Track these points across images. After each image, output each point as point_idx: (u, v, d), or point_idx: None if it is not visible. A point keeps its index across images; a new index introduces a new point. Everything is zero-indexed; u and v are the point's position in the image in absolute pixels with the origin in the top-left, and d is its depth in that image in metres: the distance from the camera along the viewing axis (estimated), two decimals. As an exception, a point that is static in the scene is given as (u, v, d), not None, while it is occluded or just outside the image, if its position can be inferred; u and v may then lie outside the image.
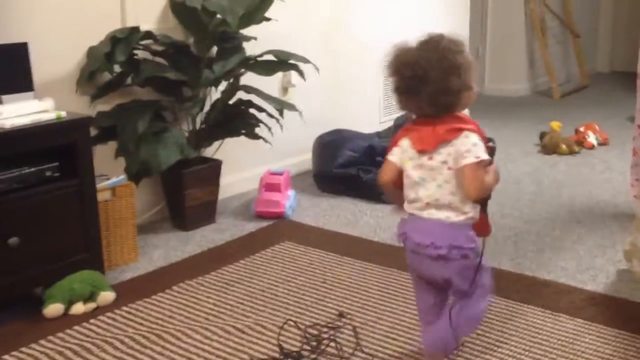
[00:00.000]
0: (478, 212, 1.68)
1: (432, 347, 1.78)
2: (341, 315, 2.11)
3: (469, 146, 1.61)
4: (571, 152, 3.91)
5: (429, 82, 1.59)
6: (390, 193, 1.79)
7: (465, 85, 1.62)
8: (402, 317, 2.09)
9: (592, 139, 4.06)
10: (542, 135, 4.08)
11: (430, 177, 1.65)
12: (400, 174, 1.71)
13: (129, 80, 2.70)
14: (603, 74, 6.77)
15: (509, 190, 3.30)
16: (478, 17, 5.71)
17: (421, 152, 1.66)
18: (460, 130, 1.62)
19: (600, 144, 4.10)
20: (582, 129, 4.13)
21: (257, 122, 2.95)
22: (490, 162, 1.65)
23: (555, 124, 4.09)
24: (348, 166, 3.31)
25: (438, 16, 4.54)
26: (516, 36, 5.73)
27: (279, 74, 3.39)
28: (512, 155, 3.91)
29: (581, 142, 4.04)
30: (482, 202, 1.70)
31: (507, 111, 5.13)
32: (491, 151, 1.68)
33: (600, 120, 4.53)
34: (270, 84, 3.27)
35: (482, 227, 1.72)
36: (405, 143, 1.69)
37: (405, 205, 1.72)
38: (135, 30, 2.57)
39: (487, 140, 1.68)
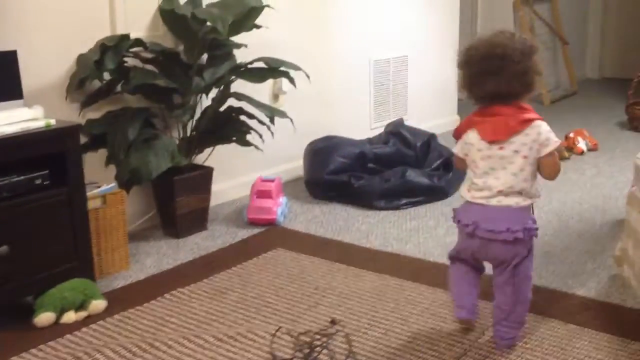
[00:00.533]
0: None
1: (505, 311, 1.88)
2: (333, 322, 2.10)
3: (547, 134, 1.78)
4: (561, 158, 3.92)
5: (512, 62, 1.73)
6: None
7: (539, 70, 1.78)
8: (395, 324, 2.09)
9: (581, 144, 4.08)
10: (532, 141, 4.10)
11: (501, 166, 1.79)
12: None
13: (118, 88, 2.70)
14: (592, 80, 6.82)
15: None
16: (468, 24, 5.74)
17: (492, 142, 1.79)
18: (531, 120, 1.77)
19: (590, 150, 4.13)
20: (572, 135, 4.15)
21: (248, 129, 2.95)
22: None
23: (545, 130, 4.11)
24: (339, 173, 3.32)
25: (428, 23, 4.56)
26: (506, 43, 5.76)
27: (270, 81, 3.40)
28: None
29: (571, 148, 4.06)
30: None
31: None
32: None
33: (589, 126, 4.56)
34: (261, 91, 3.28)
35: None
36: (471, 135, 1.83)
37: (467, 194, 1.86)
38: (125, 37, 2.57)
39: None
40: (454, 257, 1.99)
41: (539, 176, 1.85)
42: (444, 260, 2.58)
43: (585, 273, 2.44)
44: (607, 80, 6.66)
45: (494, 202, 1.79)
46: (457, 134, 1.88)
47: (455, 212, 1.92)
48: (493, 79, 1.75)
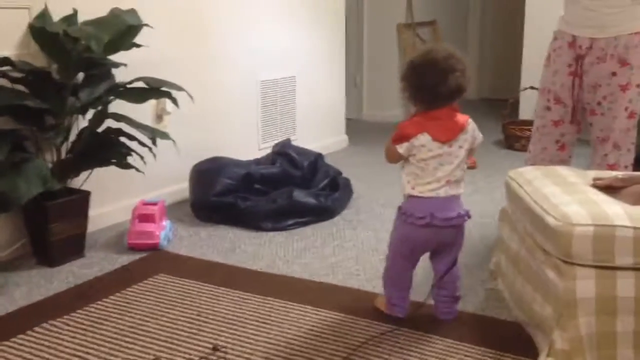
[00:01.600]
0: None
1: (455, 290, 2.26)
2: (215, 348, 2.05)
3: (476, 129, 2.12)
4: (443, 176, 4.05)
5: (455, 70, 2.02)
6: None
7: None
8: (278, 347, 2.06)
9: (461, 162, 4.23)
10: (416, 160, 4.21)
11: (448, 161, 2.06)
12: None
13: (-15, 109, 2.54)
14: (471, 100, 7.14)
15: (386, 214, 3.38)
16: (354, 46, 5.88)
17: (444, 142, 2.05)
18: (467, 118, 2.10)
19: (469, 168, 4.26)
20: (452, 154, 4.30)
21: (128, 151, 2.86)
22: None
23: (428, 149, 4.25)
24: (226, 194, 3.27)
25: (315, 44, 4.62)
26: (391, 65, 5.94)
27: (153, 102, 3.31)
28: (389, 181, 4.01)
29: (452, 166, 4.20)
30: None
31: (385, 136, 5.21)
32: None
33: (469, 144, 4.75)
34: (144, 111, 3.19)
35: None
36: (422, 138, 2.06)
37: (413, 190, 2.10)
38: (-10, 56, 2.43)
39: None
40: (399, 254, 2.20)
41: None
42: (330, 280, 2.59)
43: (462, 287, 2.50)
44: (485, 101, 7.00)
45: (442, 192, 2.07)
46: (405, 137, 2.08)
47: (403, 209, 2.14)
48: (442, 87, 2.02)
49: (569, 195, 1.97)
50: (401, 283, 2.23)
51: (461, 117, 2.09)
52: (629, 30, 2.58)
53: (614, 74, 2.60)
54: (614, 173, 2.32)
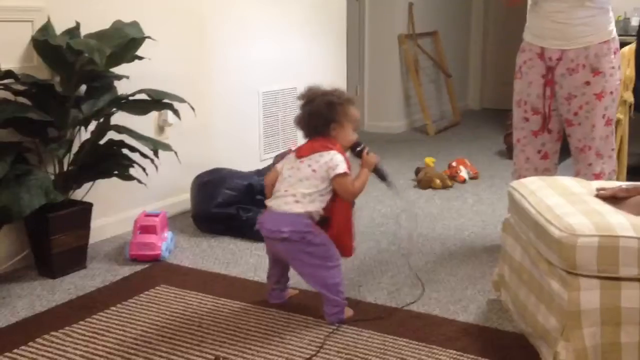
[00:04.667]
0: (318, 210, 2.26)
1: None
2: (217, 359, 2.05)
3: (337, 162, 2.23)
4: (445, 187, 4.07)
5: (312, 112, 2.28)
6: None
7: (334, 119, 2.28)
8: (280, 359, 2.05)
9: (463, 173, 4.24)
10: (418, 171, 4.23)
11: (295, 175, 2.25)
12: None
13: (-12, 122, 2.54)
14: (474, 110, 7.16)
15: (386, 225, 3.38)
16: (356, 58, 5.89)
17: (299, 157, 2.27)
18: (329, 148, 2.25)
19: (471, 178, 4.30)
20: (454, 164, 4.31)
21: (130, 162, 2.86)
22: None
23: (429, 160, 4.26)
24: (227, 205, 3.27)
25: (316, 55, 4.63)
26: (392, 76, 5.96)
27: (155, 114, 3.32)
28: (390, 193, 4.01)
29: (454, 177, 4.21)
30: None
31: (386, 148, 5.29)
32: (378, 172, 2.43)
33: (471, 155, 4.77)
34: (145, 123, 3.19)
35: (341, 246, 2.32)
36: (290, 155, 2.32)
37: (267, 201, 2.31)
38: (-6, 68, 2.44)
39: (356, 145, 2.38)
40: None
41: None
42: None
43: (465, 298, 2.51)
44: (487, 111, 7.01)
45: (274, 204, 2.32)
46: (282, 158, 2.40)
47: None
48: (306, 120, 2.32)
49: (572, 206, 1.96)
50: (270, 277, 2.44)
51: (325, 145, 2.26)
52: (599, 39, 2.63)
53: (587, 83, 2.64)
54: (617, 183, 2.31)
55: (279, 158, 3.72)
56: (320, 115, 2.27)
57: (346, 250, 2.33)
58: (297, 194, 2.22)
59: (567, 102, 2.70)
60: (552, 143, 2.82)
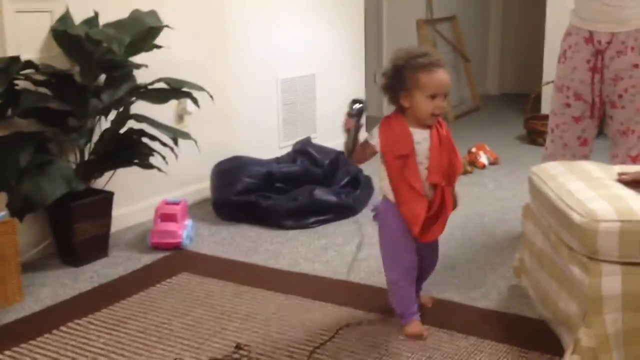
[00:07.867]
0: None
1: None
2: (239, 347, 2.06)
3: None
4: (465, 172, 4.04)
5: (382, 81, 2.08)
6: None
7: (402, 88, 2.06)
8: (300, 346, 2.07)
9: (483, 158, 4.21)
10: (437, 157, 4.19)
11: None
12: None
13: (9, 112, 2.57)
14: (493, 95, 7.09)
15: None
16: (374, 44, 5.86)
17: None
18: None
19: (491, 164, 4.26)
20: (474, 150, 4.28)
21: (150, 151, 2.88)
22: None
23: (449, 146, 4.23)
24: (247, 193, 3.28)
25: (334, 41, 4.61)
26: (411, 61, 5.91)
27: (174, 102, 3.33)
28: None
29: (474, 162, 4.18)
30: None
31: (405, 134, 5.24)
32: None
33: (490, 140, 4.72)
34: (165, 111, 3.21)
35: None
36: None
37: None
38: (14, 59, 2.46)
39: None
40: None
41: None
42: (352, 277, 2.59)
43: (486, 284, 2.50)
44: (507, 96, 6.94)
45: None
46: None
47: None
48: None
49: (593, 191, 1.94)
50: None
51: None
52: None
53: (635, 65, 2.58)
54: (639, 167, 2.28)
55: (298, 145, 3.74)
56: (385, 85, 2.05)
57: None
58: None
59: (613, 84, 2.63)
60: (592, 129, 2.76)
